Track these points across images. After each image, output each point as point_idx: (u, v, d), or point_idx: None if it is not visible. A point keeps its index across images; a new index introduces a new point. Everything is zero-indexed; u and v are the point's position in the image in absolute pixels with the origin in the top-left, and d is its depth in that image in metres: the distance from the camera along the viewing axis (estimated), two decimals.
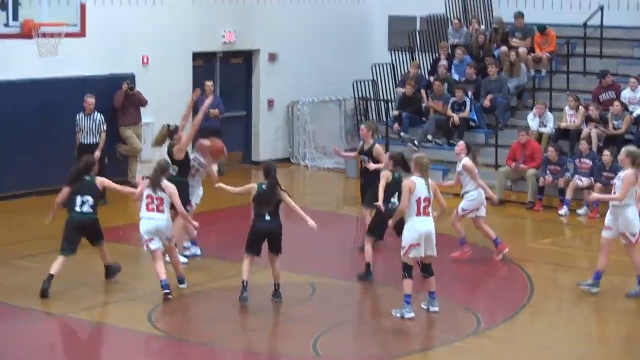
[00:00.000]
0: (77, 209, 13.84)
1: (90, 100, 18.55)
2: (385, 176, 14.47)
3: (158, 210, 13.75)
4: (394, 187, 14.25)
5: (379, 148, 15.83)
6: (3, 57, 18.61)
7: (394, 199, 14.26)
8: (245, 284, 13.40)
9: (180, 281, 14.11)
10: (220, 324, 13.00)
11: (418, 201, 12.90)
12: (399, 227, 13.32)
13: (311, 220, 13.44)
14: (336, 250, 16.60)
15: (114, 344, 12.42)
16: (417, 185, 12.90)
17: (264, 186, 13.42)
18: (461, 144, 15.96)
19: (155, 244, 13.71)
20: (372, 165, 15.56)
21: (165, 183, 13.83)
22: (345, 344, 12.54)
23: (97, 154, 18.31)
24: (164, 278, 13.55)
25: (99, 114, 18.61)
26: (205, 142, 15.09)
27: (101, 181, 14.17)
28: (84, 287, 14.09)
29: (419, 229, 12.89)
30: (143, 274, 15.10)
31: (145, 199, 13.81)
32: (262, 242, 13.50)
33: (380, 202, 14.33)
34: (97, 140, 18.62)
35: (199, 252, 15.59)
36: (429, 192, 12.96)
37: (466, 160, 15.54)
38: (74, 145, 18.54)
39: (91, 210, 13.89)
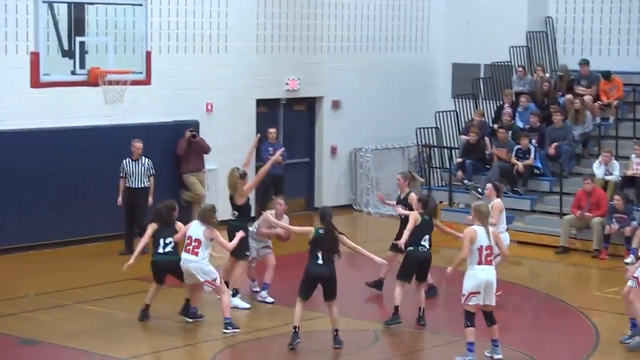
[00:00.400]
0: (160, 250, 14.21)
1: (138, 145, 18.66)
2: (414, 218, 14.52)
3: (192, 253, 13.95)
4: (422, 229, 14.47)
5: (413, 197, 15.82)
6: (70, 105, 18.88)
7: (425, 242, 14.50)
8: (297, 329, 13.36)
9: (226, 325, 14.03)
10: None
11: (480, 249, 12.83)
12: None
13: (377, 257, 13.57)
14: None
15: None
16: (477, 233, 12.83)
17: (321, 231, 13.38)
18: (489, 186, 16.32)
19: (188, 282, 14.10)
20: (401, 211, 15.59)
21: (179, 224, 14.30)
22: None
23: (151, 199, 18.46)
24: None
25: (146, 159, 18.70)
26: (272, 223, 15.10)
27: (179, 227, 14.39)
28: (147, 330, 14.11)
29: (479, 277, 12.81)
30: (206, 319, 15.01)
31: (186, 240, 14.08)
32: (315, 286, 13.47)
33: (402, 241, 14.45)
34: (145, 185, 18.64)
35: (269, 299, 15.54)
36: (489, 240, 12.89)
37: (497, 202, 15.82)
38: (117, 190, 18.56)
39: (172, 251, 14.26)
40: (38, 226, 18.51)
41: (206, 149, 20.49)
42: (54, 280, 16.55)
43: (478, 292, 12.79)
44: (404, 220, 15.74)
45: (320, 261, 13.31)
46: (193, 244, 14.01)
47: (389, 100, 24.32)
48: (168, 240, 14.29)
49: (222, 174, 21.05)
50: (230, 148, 21.31)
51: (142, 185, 18.56)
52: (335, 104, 23.54)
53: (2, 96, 18.19)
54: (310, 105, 23.43)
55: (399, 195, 16.30)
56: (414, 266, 14.63)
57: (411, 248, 14.65)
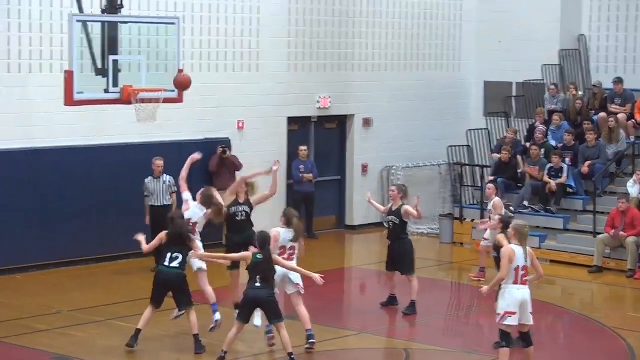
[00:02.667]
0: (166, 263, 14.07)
1: (158, 162, 18.70)
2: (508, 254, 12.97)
3: None
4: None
5: (407, 208, 15.97)
6: (103, 123, 18.98)
7: None
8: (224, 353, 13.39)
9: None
10: None
11: (516, 269, 12.74)
12: None
13: (315, 274, 13.49)
14: (430, 316, 16.39)
15: None
16: (516, 253, 12.74)
17: (259, 256, 13.39)
18: (490, 186, 18.59)
19: None
20: (411, 210, 15.83)
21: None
22: None
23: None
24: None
25: (168, 176, 18.72)
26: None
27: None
28: (178, 349, 14.11)
29: (515, 296, 12.70)
30: (239, 337, 14.97)
31: None
32: (251, 309, 13.48)
33: (486, 289, 13.32)
34: (167, 202, 18.65)
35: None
36: (526, 261, 12.81)
37: (497, 200, 17.74)
38: (144, 209, 18.56)
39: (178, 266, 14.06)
40: (71, 243, 18.58)
41: (238, 166, 20.53)
42: (87, 297, 16.62)
43: (514, 312, 12.71)
44: (392, 233, 15.99)
45: (258, 284, 13.28)
46: None
47: (421, 118, 24.30)
48: (175, 255, 14.14)
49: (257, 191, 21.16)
50: (261, 165, 21.18)
51: (164, 203, 18.57)
52: (367, 122, 23.54)
53: (37, 114, 18.31)
54: (341, 123, 23.44)
55: (390, 206, 16.39)
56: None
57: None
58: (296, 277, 14.07)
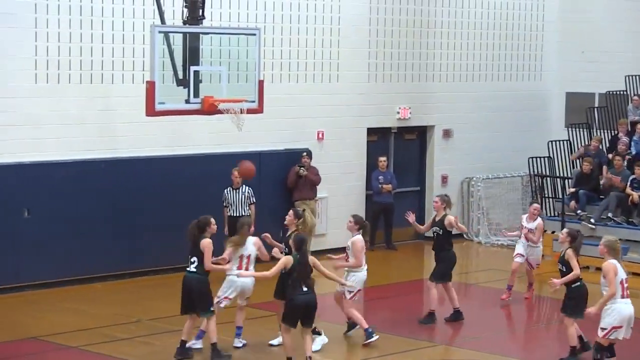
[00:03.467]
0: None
1: (235, 173, 18.77)
2: (613, 269, 12.94)
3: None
4: None
5: (450, 218, 16.04)
6: (184, 133, 19.14)
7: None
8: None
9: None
10: None
11: (621, 283, 12.77)
12: None
13: (344, 280, 13.86)
14: (513, 329, 16.26)
15: None
16: (617, 267, 12.69)
17: (298, 257, 13.40)
18: (537, 206, 18.08)
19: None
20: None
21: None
22: None
23: (252, 228, 18.52)
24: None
25: (247, 187, 18.80)
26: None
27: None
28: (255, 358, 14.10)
29: (623, 312, 12.74)
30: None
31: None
32: (301, 315, 13.37)
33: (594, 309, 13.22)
34: (246, 213, 18.64)
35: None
36: (625, 273, 12.87)
37: (540, 222, 17.10)
38: (222, 220, 18.53)
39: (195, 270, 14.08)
40: (150, 252, 18.74)
41: (316, 182, 20.53)
42: (165, 306, 16.57)
43: (620, 327, 12.72)
44: (437, 243, 16.08)
45: (305, 289, 13.28)
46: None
47: (501, 129, 24.14)
48: (193, 259, 14.24)
49: (333, 202, 21.23)
50: (340, 177, 21.38)
51: (243, 214, 18.60)
52: (447, 133, 23.44)
53: (119, 125, 18.52)
54: (421, 134, 23.36)
55: (434, 217, 16.44)
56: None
57: (578, 283, 14.12)
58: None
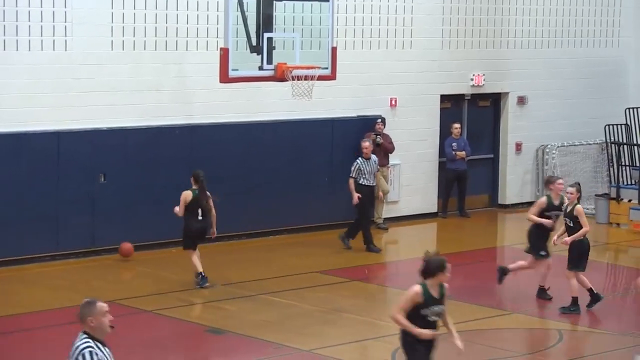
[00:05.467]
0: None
1: (365, 144, 18.69)
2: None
3: None
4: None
5: (579, 209, 15.09)
6: (257, 99, 19.15)
7: None
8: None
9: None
10: None
11: None
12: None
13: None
14: (586, 298, 16.05)
15: None
16: None
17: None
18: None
19: None
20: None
21: None
22: None
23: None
24: None
25: (375, 156, 18.78)
26: None
27: None
28: (329, 324, 14.18)
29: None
30: (388, 313, 14.98)
31: None
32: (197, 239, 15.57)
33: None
34: (374, 183, 18.73)
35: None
36: None
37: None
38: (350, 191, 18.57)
39: None
40: (225, 218, 18.63)
41: (390, 150, 20.46)
42: (239, 272, 16.83)
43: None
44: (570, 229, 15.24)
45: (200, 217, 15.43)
46: None
47: (577, 96, 23.81)
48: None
49: (406, 169, 21.18)
50: (413, 144, 21.28)
51: (373, 183, 18.66)
52: (521, 100, 23.19)
53: (193, 91, 18.58)
54: (495, 101, 23.14)
55: (564, 206, 15.40)
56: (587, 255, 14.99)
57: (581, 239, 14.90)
58: None
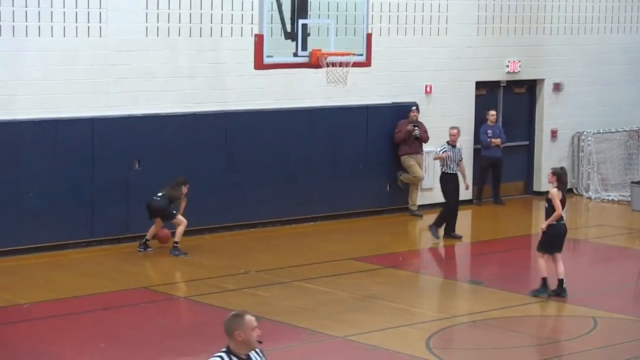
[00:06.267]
0: None
1: (453, 131, 18.57)
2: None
3: None
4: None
5: (553, 192, 14.89)
6: (292, 86, 19.11)
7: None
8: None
9: None
10: (498, 354, 12.76)
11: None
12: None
13: None
14: (620, 285, 16.03)
15: None
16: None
17: None
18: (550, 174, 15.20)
19: None
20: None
21: None
22: None
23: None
24: None
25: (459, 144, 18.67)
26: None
27: None
28: (362, 310, 14.15)
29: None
30: (422, 300, 15.14)
31: None
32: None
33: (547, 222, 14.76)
34: (457, 170, 18.51)
35: None
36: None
37: (554, 191, 14.93)
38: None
39: None
40: (259, 205, 18.86)
41: (425, 140, 20.34)
42: (273, 258, 16.80)
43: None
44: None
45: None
46: None
47: (613, 83, 23.62)
48: None
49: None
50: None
51: (456, 171, 18.44)
52: (557, 87, 23.02)
53: (227, 77, 18.54)
54: (530, 87, 22.99)
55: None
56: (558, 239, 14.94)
57: (555, 223, 14.78)
58: None
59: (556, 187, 14.79)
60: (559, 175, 14.87)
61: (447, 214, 18.38)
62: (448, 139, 18.53)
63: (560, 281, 14.79)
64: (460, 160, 18.56)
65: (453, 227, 18.37)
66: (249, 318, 7.20)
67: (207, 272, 15.89)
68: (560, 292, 14.76)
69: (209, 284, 15.29)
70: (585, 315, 14.16)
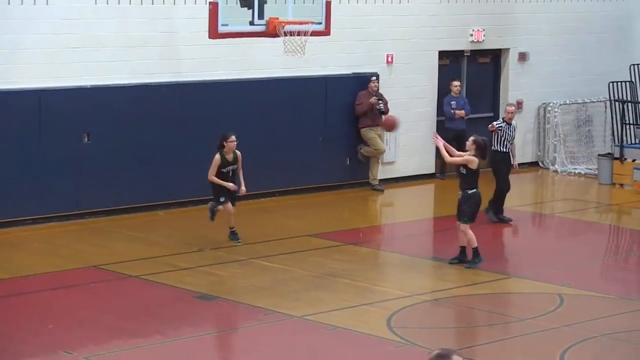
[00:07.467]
0: None
1: (510, 108, 18.02)
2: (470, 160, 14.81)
3: None
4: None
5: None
6: (249, 56, 18.71)
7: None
8: None
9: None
10: (461, 333, 12.60)
11: None
12: None
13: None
14: (587, 261, 15.83)
15: (352, 349, 11.96)
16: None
17: None
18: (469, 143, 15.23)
19: None
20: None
21: None
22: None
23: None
24: None
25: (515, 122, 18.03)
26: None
27: None
28: (320, 289, 13.87)
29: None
30: (383, 278, 14.91)
31: None
32: None
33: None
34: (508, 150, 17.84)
35: None
36: None
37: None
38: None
39: None
40: None
41: (386, 113, 19.96)
42: (227, 235, 16.38)
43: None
44: None
45: None
46: None
47: (580, 53, 23.32)
48: None
49: (403, 128, 20.60)
50: (410, 102, 20.85)
51: (509, 150, 17.79)
52: (522, 57, 22.69)
53: (182, 47, 18.15)
54: (495, 57, 22.67)
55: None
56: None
57: (475, 190, 14.83)
58: None
59: (474, 155, 14.79)
60: (479, 145, 14.87)
61: (497, 195, 17.67)
62: (504, 116, 17.94)
63: (464, 249, 14.84)
64: (513, 140, 17.85)
65: (500, 208, 17.62)
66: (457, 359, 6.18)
67: (160, 250, 15.57)
68: (464, 259, 14.76)
69: (163, 262, 14.98)
70: (552, 292, 13.96)
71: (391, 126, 16.33)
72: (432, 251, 16.46)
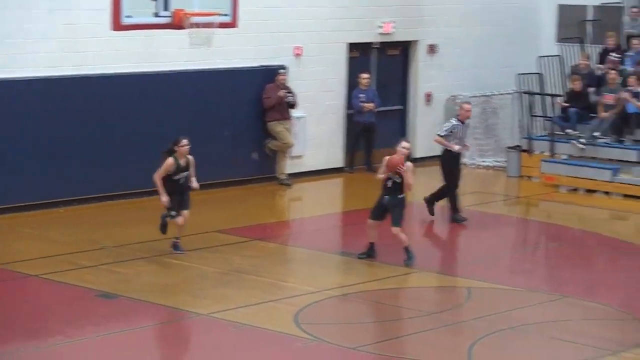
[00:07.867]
0: None
1: (467, 106, 17.73)
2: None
3: None
4: None
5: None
6: (153, 48, 18.48)
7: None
8: None
9: None
10: (371, 328, 12.60)
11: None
12: None
13: None
14: (495, 254, 15.92)
15: (259, 347, 11.84)
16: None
17: None
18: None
19: None
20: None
21: None
22: (504, 352, 11.83)
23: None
24: None
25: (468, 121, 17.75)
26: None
27: None
28: (229, 285, 13.75)
29: None
30: (290, 273, 14.86)
31: None
32: None
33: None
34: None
35: None
36: None
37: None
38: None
39: None
40: (118, 175, 18.17)
41: (294, 105, 19.82)
42: (133, 232, 16.24)
43: None
44: None
45: None
46: None
47: (489, 45, 23.42)
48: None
49: (311, 122, 20.68)
50: (319, 95, 20.78)
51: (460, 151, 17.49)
52: (431, 49, 22.72)
53: (83, 40, 17.82)
54: (404, 49, 22.64)
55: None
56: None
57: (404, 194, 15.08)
58: None
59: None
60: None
61: (445, 192, 17.48)
62: (458, 114, 17.72)
63: (372, 245, 14.96)
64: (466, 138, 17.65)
65: (457, 207, 17.38)
66: None
67: (60, 248, 15.27)
68: (372, 254, 14.92)
69: (65, 260, 14.69)
70: (460, 285, 14.04)
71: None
72: (340, 246, 16.39)
